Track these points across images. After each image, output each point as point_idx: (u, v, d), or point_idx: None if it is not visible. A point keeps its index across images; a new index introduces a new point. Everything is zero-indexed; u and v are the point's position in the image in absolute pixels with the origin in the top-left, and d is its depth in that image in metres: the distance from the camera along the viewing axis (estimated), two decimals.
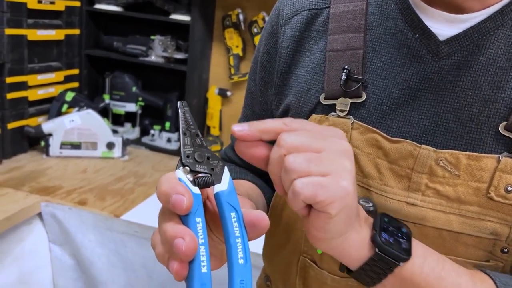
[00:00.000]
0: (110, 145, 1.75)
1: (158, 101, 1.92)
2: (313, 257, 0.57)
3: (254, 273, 0.46)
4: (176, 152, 1.87)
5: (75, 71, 1.87)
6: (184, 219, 0.38)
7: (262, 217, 0.39)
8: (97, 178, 1.57)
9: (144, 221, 1.30)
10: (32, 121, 1.69)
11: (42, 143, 1.68)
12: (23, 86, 1.61)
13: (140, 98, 1.91)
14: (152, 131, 1.96)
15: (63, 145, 1.69)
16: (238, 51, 1.83)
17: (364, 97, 0.53)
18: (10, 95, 1.56)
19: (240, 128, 0.42)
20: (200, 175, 0.41)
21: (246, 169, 0.73)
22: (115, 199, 1.42)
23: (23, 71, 1.60)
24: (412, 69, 0.51)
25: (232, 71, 1.85)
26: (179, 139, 0.42)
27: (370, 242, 0.43)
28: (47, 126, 1.66)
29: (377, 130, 0.51)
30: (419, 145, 0.49)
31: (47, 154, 1.68)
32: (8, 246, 1.31)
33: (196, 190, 0.39)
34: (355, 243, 0.43)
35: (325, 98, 0.55)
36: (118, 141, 1.76)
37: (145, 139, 1.96)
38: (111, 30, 2.00)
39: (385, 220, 0.46)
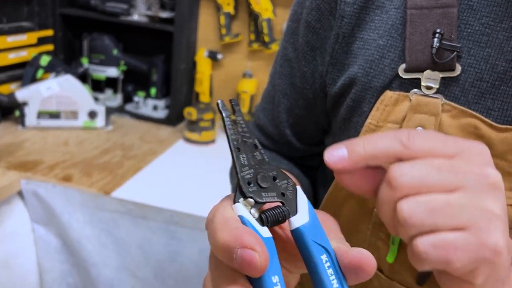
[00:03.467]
0: (92, 114, 1.60)
1: (142, 65, 1.77)
2: (379, 265, 0.47)
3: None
4: (165, 121, 1.74)
5: (49, 32, 1.69)
6: (254, 279, 0.26)
7: (366, 259, 0.28)
8: (80, 151, 1.43)
9: (138, 197, 1.19)
10: (3, 89, 1.52)
11: (17, 113, 1.52)
12: None
13: (122, 62, 1.75)
14: (136, 98, 1.82)
15: (40, 114, 1.54)
16: (229, 9, 1.68)
17: (458, 71, 0.41)
18: None
19: (337, 158, 0.30)
20: (268, 207, 0.29)
21: (276, 153, 0.61)
22: (103, 174, 1.30)
23: None
24: None
25: (223, 31, 1.70)
26: (232, 158, 0.30)
27: None
28: (22, 94, 1.50)
29: (477, 114, 0.41)
30: None
31: (23, 125, 1.53)
32: None
33: (265, 232, 0.28)
34: None
35: (405, 71, 0.43)
36: (100, 109, 1.61)
37: (129, 107, 1.82)
38: None
39: None
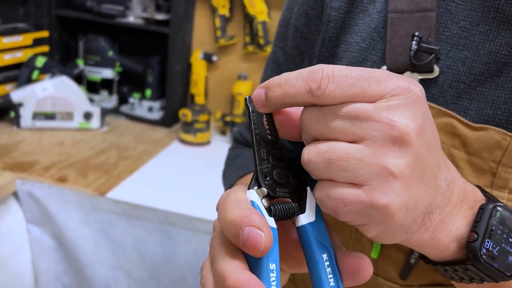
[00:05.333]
0: (88, 115, 1.61)
1: (137, 66, 1.78)
2: None
3: None
4: (160, 122, 1.75)
5: (45, 34, 1.70)
6: (253, 261, 0.28)
7: (364, 264, 0.29)
8: (76, 152, 1.44)
9: (133, 198, 1.20)
10: None
11: (12, 114, 1.53)
12: None
13: (117, 63, 1.76)
14: (131, 100, 1.83)
15: (35, 115, 1.55)
16: (224, 11, 1.69)
17: (436, 72, 0.43)
18: None
19: (256, 101, 0.31)
20: (278, 202, 0.31)
21: None
22: (98, 174, 1.31)
23: None
24: (501, 38, 0.42)
25: (218, 33, 1.72)
26: (253, 151, 0.31)
27: (464, 246, 0.33)
28: (17, 95, 1.51)
29: (454, 114, 0.42)
30: (510, 134, 0.41)
31: (18, 125, 1.53)
32: None
33: (272, 222, 0.29)
34: (433, 242, 0.32)
35: None
36: (96, 110, 1.62)
37: (124, 108, 1.83)
38: None
39: (497, 215, 0.33)
